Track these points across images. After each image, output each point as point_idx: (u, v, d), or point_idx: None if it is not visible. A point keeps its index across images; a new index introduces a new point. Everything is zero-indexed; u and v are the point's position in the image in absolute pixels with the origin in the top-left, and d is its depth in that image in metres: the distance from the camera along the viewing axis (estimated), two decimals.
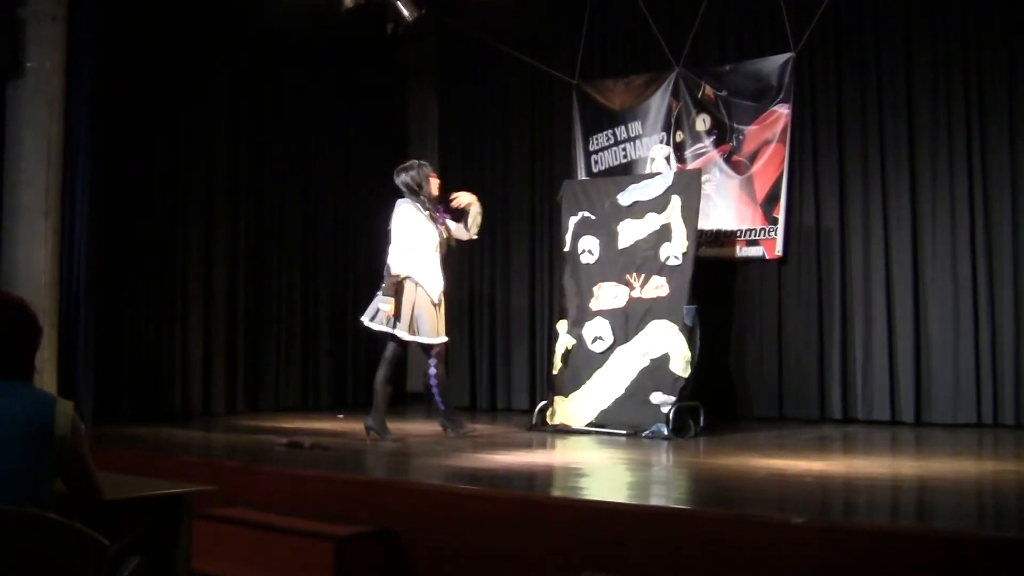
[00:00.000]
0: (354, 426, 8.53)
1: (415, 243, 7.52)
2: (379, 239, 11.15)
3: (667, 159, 9.42)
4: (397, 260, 7.48)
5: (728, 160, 9.31)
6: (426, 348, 7.56)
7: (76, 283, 8.33)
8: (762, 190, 9.14)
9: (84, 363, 8.38)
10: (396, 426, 7.83)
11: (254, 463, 6.42)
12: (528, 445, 7.58)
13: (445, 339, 7.65)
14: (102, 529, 3.08)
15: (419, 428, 8.32)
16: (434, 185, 7.70)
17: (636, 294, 8.19)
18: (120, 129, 8.91)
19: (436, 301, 7.52)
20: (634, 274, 8.24)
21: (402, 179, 7.69)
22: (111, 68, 8.68)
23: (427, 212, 7.61)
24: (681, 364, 7.83)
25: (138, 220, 9.10)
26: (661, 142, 9.59)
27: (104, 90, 8.58)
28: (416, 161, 7.87)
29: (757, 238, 9.15)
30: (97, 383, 8.58)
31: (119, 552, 3.42)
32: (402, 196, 7.67)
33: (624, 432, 7.85)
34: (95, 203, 8.51)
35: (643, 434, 7.73)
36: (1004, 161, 8.23)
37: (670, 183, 8.32)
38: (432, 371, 7.54)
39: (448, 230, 7.72)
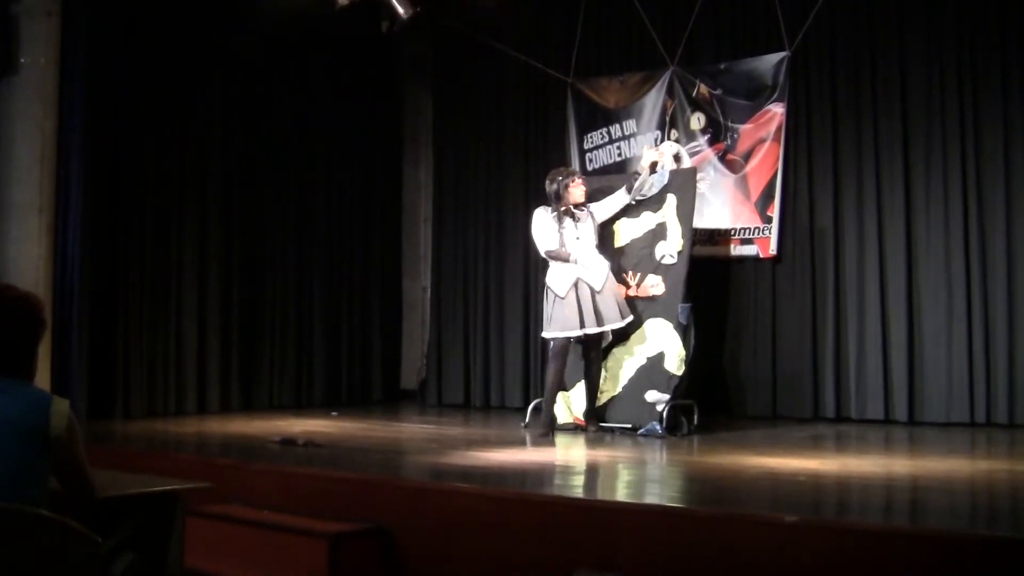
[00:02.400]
0: (347, 424, 8.54)
1: (548, 245, 7.93)
2: (372, 236, 11.23)
3: (676, 156, 9.35)
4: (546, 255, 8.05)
5: (723, 159, 9.30)
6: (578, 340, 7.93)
7: (70, 280, 8.32)
8: (756, 189, 9.14)
9: (78, 360, 8.37)
10: (386, 421, 7.81)
11: (248, 460, 6.43)
12: (521, 443, 7.58)
13: (586, 329, 7.81)
14: (96, 526, 3.08)
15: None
16: (575, 193, 8.02)
17: (632, 292, 8.19)
18: (114, 125, 8.91)
19: (561, 295, 7.79)
20: (630, 272, 8.24)
21: (547, 188, 8.08)
22: (105, 64, 8.67)
23: (555, 214, 7.93)
24: (676, 362, 7.83)
25: (132, 217, 9.10)
26: (666, 139, 9.53)
27: (98, 87, 8.58)
28: (563, 169, 8.30)
29: (751, 237, 9.15)
30: (91, 380, 8.58)
31: (112, 549, 3.42)
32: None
33: (618, 427, 7.85)
34: (89, 200, 8.50)
35: (637, 432, 7.73)
36: (998, 161, 8.23)
37: (666, 182, 8.32)
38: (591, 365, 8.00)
39: (595, 222, 8.06)
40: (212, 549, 5.20)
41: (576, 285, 7.80)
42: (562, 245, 7.86)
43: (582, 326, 7.75)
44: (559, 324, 7.80)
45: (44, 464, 3.22)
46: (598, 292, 7.82)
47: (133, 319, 9.07)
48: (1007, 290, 8.17)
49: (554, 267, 7.93)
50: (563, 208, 7.94)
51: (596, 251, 7.97)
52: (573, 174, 8.13)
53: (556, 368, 7.92)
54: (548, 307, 7.91)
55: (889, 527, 4.34)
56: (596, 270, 7.87)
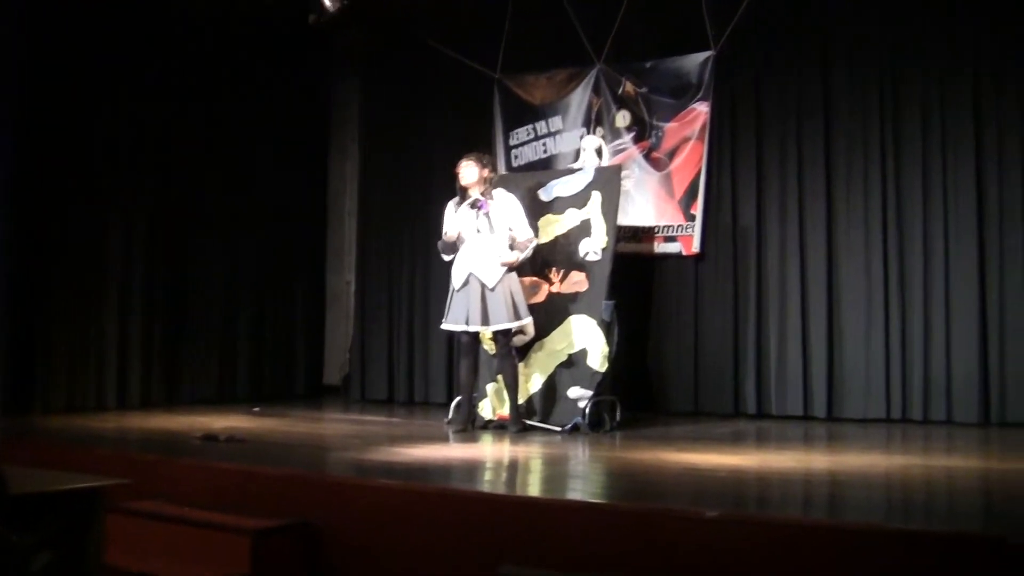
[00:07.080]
0: (270, 419, 8.49)
1: (452, 235, 7.76)
2: (296, 229, 11.14)
3: (598, 151, 9.34)
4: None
5: (647, 156, 9.36)
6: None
7: None
8: (680, 187, 9.21)
9: None
10: (309, 417, 7.76)
11: (170, 456, 6.36)
12: (445, 439, 7.58)
13: (469, 327, 7.73)
14: (12, 524, 3.03)
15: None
16: (459, 176, 7.83)
17: (555, 289, 8.22)
18: (40, 114, 8.73)
19: (456, 288, 7.73)
20: (553, 269, 8.26)
21: None
22: (33, 62, 8.51)
23: (457, 202, 7.86)
24: (599, 359, 7.87)
25: (54, 208, 8.91)
26: (589, 134, 9.56)
27: (25, 82, 8.42)
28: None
29: (675, 234, 9.22)
30: (9, 373, 8.43)
31: (29, 547, 3.37)
32: None
33: (541, 426, 7.87)
34: (9, 194, 8.35)
35: (560, 428, 7.76)
36: (916, 162, 8.38)
37: (591, 179, 8.36)
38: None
39: (487, 218, 7.70)
40: (133, 546, 5.14)
41: (469, 280, 7.68)
42: (459, 238, 7.74)
43: (467, 323, 7.69)
44: (452, 317, 7.78)
45: None
46: (490, 290, 7.62)
47: (54, 310, 8.89)
48: (924, 289, 8.32)
49: (456, 259, 7.80)
50: (462, 195, 7.82)
51: (499, 247, 7.71)
52: (464, 156, 7.91)
53: (467, 364, 7.92)
54: (448, 298, 7.87)
55: (808, 521, 4.41)
56: (489, 266, 7.66)
